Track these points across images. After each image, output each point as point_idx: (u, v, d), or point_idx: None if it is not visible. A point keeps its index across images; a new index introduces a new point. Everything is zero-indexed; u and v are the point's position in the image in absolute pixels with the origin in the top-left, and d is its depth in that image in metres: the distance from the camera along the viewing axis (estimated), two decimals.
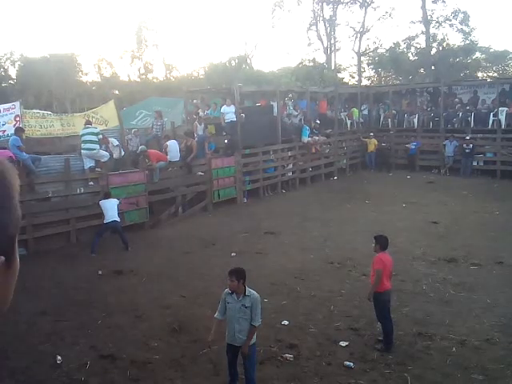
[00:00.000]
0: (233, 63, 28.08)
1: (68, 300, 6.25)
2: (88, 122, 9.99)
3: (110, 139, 10.58)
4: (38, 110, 13.16)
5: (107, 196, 8.54)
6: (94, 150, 9.47)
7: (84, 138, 9.60)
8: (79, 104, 22.13)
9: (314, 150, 14.88)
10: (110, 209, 8.24)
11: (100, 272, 7.32)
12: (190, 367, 4.60)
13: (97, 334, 5.29)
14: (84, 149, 9.48)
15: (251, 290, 4.01)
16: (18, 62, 24.28)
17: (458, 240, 8.52)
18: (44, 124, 10.86)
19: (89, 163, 9.57)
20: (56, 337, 5.23)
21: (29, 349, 4.97)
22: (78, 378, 4.42)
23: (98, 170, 9.60)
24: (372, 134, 17.16)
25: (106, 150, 10.27)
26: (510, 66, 28.88)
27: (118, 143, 10.60)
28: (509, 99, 15.62)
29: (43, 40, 46.45)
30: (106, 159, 9.75)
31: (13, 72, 25.46)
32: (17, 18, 43.52)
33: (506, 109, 15.02)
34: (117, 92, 24.28)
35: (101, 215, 8.74)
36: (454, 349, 4.78)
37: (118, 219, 8.33)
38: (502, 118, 14.94)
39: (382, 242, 4.87)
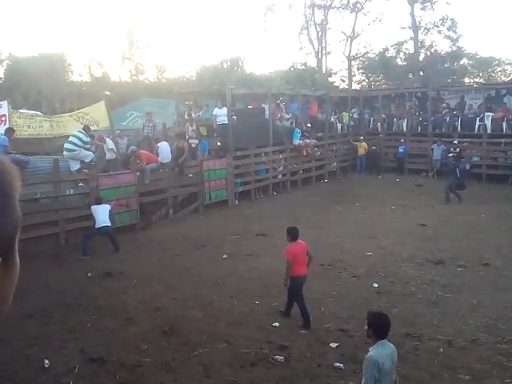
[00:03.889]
0: (225, 65, 28.08)
1: (56, 303, 6.17)
2: (87, 128, 9.79)
3: (107, 139, 10.47)
4: (27, 110, 12.98)
5: (99, 201, 8.47)
6: (75, 151, 9.30)
7: (68, 139, 9.52)
8: (69, 104, 21.87)
9: (305, 153, 14.99)
10: (102, 214, 8.18)
11: (89, 274, 7.24)
12: (181, 370, 4.58)
13: (86, 337, 5.23)
14: (65, 149, 9.37)
15: (375, 348, 2.96)
16: (6, 61, 23.90)
17: (445, 242, 8.68)
18: (32, 124, 10.72)
19: (74, 165, 9.45)
20: (43, 340, 5.15)
21: (15, 353, 4.89)
22: (66, 382, 4.36)
23: (85, 171, 9.50)
24: (362, 137, 17.36)
25: (96, 151, 10.16)
26: (496, 73, 29.54)
27: (112, 146, 10.51)
28: (494, 104, 15.99)
29: (32, 39, 45.78)
30: (89, 159, 9.60)
31: (0, 71, 25.07)
32: (5, 17, 42.84)
33: (491, 114, 15.37)
34: (107, 92, 24.04)
35: (90, 217, 8.65)
36: (441, 349, 4.87)
37: (109, 224, 8.26)
38: (488, 122, 15.27)
39: (291, 233, 5.37)
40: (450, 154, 14.49)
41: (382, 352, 2.95)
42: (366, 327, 3.07)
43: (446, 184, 12.35)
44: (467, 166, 13.85)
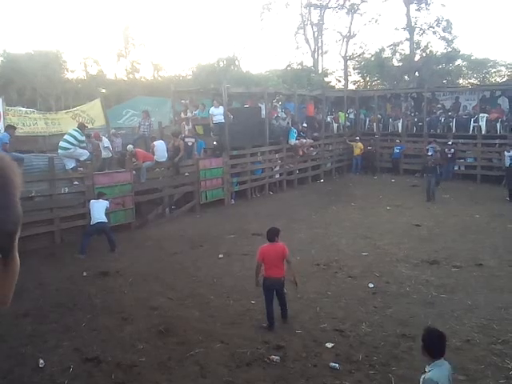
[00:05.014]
0: (221, 64, 28.02)
1: (51, 301, 6.14)
2: (81, 126, 9.69)
3: (103, 138, 10.42)
4: (21, 108, 12.87)
5: (99, 196, 8.42)
6: (70, 149, 9.23)
7: (63, 137, 9.45)
8: (64, 101, 21.72)
9: (301, 153, 15.02)
10: (97, 210, 8.12)
11: (85, 273, 7.20)
12: (177, 370, 4.58)
13: (81, 336, 5.21)
14: (59, 147, 9.31)
15: (432, 368, 2.80)
16: (1, 58, 23.67)
17: (439, 242, 8.74)
18: (27, 122, 10.64)
19: (70, 164, 9.38)
20: (39, 339, 5.12)
21: (11, 351, 4.85)
22: (62, 382, 4.34)
23: (81, 169, 9.45)
24: (358, 137, 17.43)
25: (91, 149, 10.10)
26: (491, 74, 29.78)
27: (108, 145, 10.45)
28: (489, 106, 16.12)
29: (27, 36, 45.35)
30: (85, 157, 9.52)
31: None
32: (0, 13, 42.33)
33: (486, 115, 15.50)
34: (103, 90, 23.89)
35: (86, 215, 8.60)
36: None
37: (104, 220, 8.19)
38: (483, 124, 15.41)
39: (267, 234, 5.35)
40: (430, 153, 14.64)
41: (440, 373, 2.78)
42: (421, 344, 2.92)
43: (426, 183, 12.59)
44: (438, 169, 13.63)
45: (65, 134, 9.66)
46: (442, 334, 2.98)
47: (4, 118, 9.99)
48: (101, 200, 8.32)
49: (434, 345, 2.88)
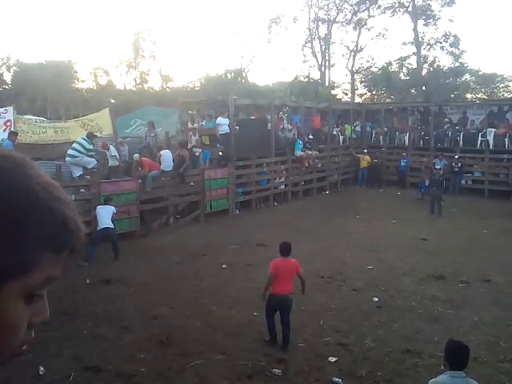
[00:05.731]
0: (228, 76, 28.42)
1: (54, 309, 5.99)
2: (90, 135, 9.81)
3: (110, 147, 10.55)
4: (31, 116, 13.11)
5: (106, 202, 8.42)
6: (77, 157, 9.35)
7: (72, 145, 9.59)
8: (74, 111, 22.11)
9: (306, 164, 15.03)
10: (104, 215, 8.10)
11: (88, 281, 7.20)
12: (177, 380, 4.52)
13: (82, 344, 5.17)
14: (67, 155, 9.42)
15: (441, 376, 2.85)
16: (14, 68, 24.28)
17: (446, 257, 8.62)
18: (36, 130, 10.80)
19: (77, 171, 9.47)
20: (40, 347, 5.08)
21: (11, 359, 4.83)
22: None
23: (87, 177, 9.54)
24: (366, 150, 17.41)
25: (98, 157, 10.22)
26: (499, 89, 29.75)
27: (115, 153, 10.57)
28: (497, 121, 16.06)
29: (40, 46, 46.61)
30: (92, 165, 9.63)
31: (8, 77, 25.44)
32: (14, 24, 43.64)
33: (493, 130, 15.43)
34: (112, 100, 24.31)
35: (91, 222, 8.64)
36: (442, 367, 4.77)
37: (111, 226, 8.15)
38: (490, 138, 15.32)
39: (280, 249, 5.15)
40: (438, 166, 14.60)
41: (444, 382, 2.78)
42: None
43: (431, 196, 12.62)
44: (426, 182, 13.81)
45: (73, 142, 9.81)
46: (461, 347, 2.93)
47: (14, 126, 10.17)
48: (107, 205, 8.33)
49: (452, 355, 2.86)
